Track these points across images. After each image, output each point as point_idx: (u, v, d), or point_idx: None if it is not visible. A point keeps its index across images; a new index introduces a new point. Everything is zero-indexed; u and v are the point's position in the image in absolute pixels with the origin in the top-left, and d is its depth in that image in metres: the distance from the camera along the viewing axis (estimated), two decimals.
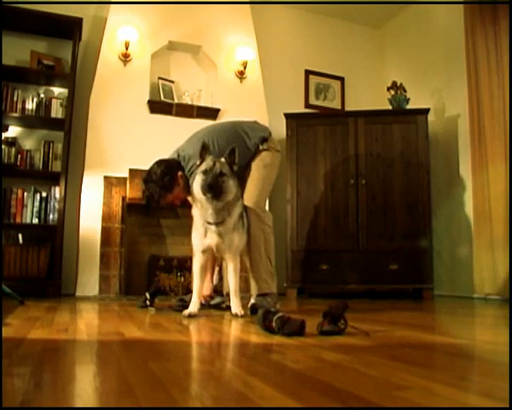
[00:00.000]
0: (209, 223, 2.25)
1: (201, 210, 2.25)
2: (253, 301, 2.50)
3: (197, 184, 2.20)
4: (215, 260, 2.68)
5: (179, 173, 2.47)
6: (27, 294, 3.19)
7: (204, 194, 2.16)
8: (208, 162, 2.20)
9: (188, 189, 2.44)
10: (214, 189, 2.13)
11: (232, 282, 2.31)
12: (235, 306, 2.27)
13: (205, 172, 2.17)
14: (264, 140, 2.64)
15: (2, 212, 3.56)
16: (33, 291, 3.41)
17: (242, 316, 2.21)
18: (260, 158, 2.61)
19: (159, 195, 2.46)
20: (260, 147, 2.62)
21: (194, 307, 2.27)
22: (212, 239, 2.27)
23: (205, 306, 2.59)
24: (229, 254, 2.31)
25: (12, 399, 0.81)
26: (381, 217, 3.92)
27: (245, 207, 2.43)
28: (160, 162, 2.50)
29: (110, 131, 3.85)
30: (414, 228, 3.86)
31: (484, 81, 3.77)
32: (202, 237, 2.29)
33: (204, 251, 2.33)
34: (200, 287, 2.35)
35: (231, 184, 2.21)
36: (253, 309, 2.36)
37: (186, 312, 2.23)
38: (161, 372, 1.02)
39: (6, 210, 3.61)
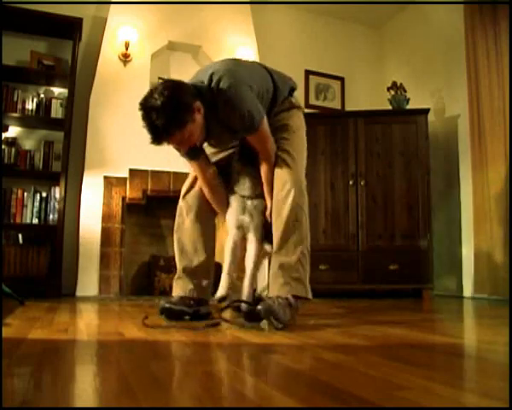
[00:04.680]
0: (243, 196, 1.98)
1: (238, 180, 1.97)
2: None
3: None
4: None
5: (197, 103, 1.79)
6: (27, 294, 3.19)
7: None
8: None
9: (205, 129, 1.88)
10: None
11: (250, 266, 1.99)
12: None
13: None
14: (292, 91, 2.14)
15: (2, 212, 3.56)
16: (33, 291, 3.40)
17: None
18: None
19: (164, 130, 1.77)
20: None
21: (224, 289, 1.96)
22: (246, 216, 1.98)
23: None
24: (254, 236, 2.00)
25: (12, 399, 0.82)
26: (381, 217, 3.92)
27: None
28: (167, 83, 1.81)
29: (110, 131, 3.84)
30: (414, 228, 3.86)
31: (484, 81, 3.77)
32: (237, 211, 1.99)
33: (239, 227, 2.02)
34: (231, 266, 2.02)
35: None
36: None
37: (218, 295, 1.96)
38: (161, 372, 1.02)
39: (6, 210, 3.60)
